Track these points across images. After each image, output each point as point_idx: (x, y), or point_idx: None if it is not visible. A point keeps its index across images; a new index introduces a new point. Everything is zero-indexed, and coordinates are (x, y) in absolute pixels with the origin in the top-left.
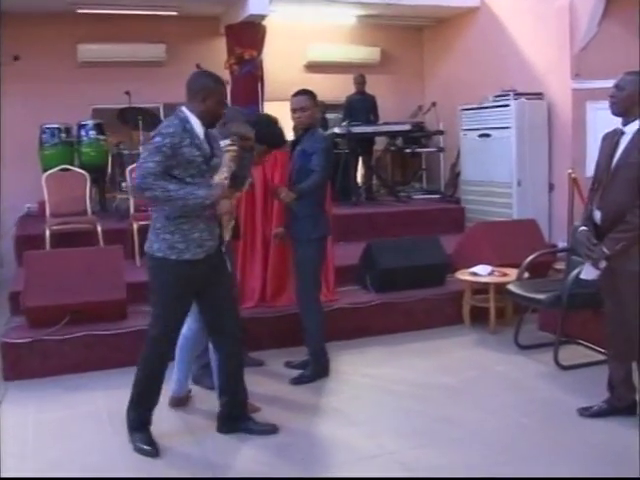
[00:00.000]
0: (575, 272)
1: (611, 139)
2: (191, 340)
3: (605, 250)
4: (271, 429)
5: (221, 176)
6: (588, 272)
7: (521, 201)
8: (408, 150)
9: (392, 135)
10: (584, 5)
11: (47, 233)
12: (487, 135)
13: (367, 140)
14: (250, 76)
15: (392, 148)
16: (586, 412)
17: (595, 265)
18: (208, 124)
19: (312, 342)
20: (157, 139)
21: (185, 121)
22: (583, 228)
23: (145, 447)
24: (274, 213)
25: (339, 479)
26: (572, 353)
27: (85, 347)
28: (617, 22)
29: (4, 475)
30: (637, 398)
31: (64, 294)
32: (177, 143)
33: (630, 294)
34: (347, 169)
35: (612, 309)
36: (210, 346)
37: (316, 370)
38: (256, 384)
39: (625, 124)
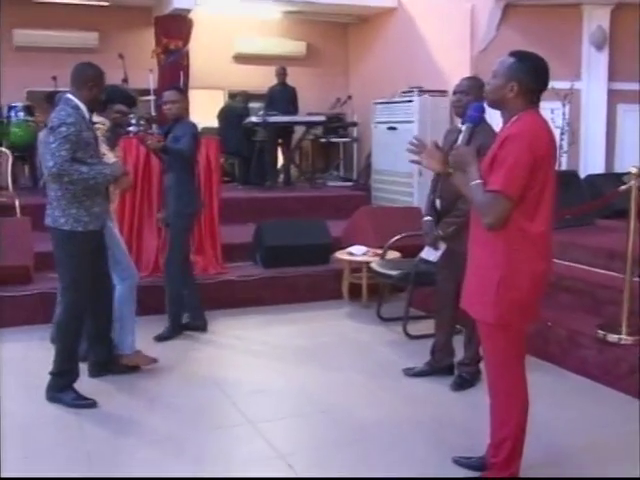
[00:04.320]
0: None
1: (451, 135)
2: (125, 296)
3: (440, 232)
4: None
5: (110, 154)
6: (429, 253)
7: (422, 190)
8: (323, 140)
9: (309, 125)
10: (483, 11)
11: None
12: (394, 128)
13: (286, 129)
14: (175, 65)
15: (310, 137)
16: (410, 372)
17: (434, 246)
18: (92, 109)
19: (172, 305)
20: (63, 129)
21: (77, 108)
22: (428, 218)
23: (83, 401)
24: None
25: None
26: (426, 325)
27: None
28: (513, 28)
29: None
30: (454, 361)
31: None
32: (79, 130)
33: None
34: (262, 155)
35: (442, 285)
36: None
37: (173, 329)
38: None
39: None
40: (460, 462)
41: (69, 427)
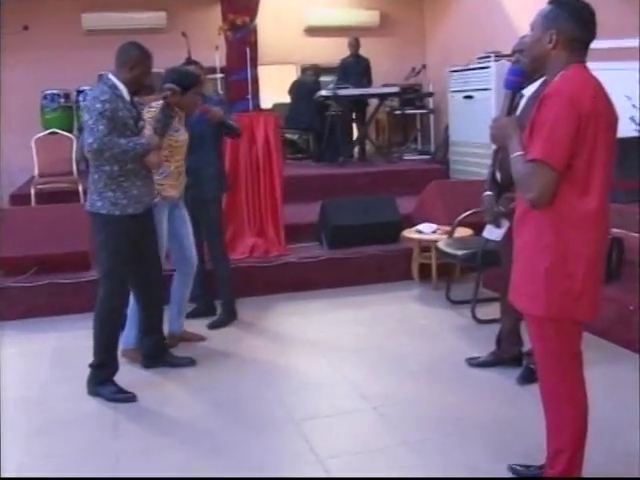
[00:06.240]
0: None
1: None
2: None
3: (501, 208)
4: (189, 361)
5: (149, 132)
6: (490, 232)
7: None
8: (398, 112)
9: (382, 97)
10: None
11: (32, 192)
12: (470, 97)
13: (359, 102)
14: (242, 41)
15: (385, 110)
16: (473, 362)
17: (497, 224)
18: (133, 91)
19: (226, 290)
20: (98, 105)
21: (114, 87)
22: (488, 193)
23: (121, 395)
24: None
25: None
26: (498, 308)
27: (48, 294)
28: None
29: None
30: (522, 350)
31: (33, 246)
32: (115, 108)
33: None
34: (334, 130)
35: (506, 266)
36: None
37: (229, 315)
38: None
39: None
40: (516, 470)
41: (104, 424)
